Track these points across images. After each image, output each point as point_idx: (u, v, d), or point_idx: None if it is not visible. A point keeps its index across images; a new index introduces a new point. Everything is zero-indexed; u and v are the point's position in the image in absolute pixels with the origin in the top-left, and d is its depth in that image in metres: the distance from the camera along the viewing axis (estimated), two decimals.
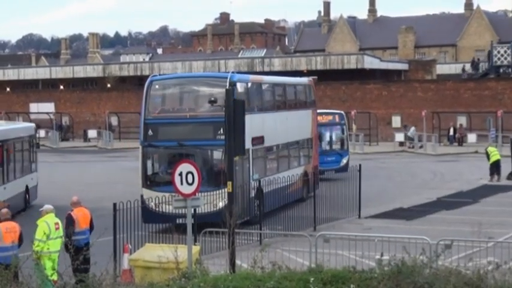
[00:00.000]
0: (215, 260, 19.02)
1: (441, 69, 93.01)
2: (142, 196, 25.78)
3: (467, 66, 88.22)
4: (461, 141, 64.78)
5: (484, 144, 47.17)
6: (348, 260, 16.22)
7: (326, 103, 65.04)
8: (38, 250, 17.25)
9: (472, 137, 64.02)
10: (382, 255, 14.04)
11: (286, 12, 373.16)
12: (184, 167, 17.50)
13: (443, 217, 29.14)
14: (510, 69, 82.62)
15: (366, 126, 67.02)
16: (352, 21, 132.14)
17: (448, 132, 66.80)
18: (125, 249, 18.94)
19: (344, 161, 41.35)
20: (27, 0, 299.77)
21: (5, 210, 19.08)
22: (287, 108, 34.00)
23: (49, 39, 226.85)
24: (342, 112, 45.47)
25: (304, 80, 39.59)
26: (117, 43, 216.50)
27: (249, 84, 30.05)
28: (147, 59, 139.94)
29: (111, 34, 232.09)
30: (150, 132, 27.28)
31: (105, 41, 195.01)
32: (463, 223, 24.33)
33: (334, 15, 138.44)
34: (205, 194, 23.79)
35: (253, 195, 27.20)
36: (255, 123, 27.68)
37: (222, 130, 25.16)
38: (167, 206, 24.23)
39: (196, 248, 17.96)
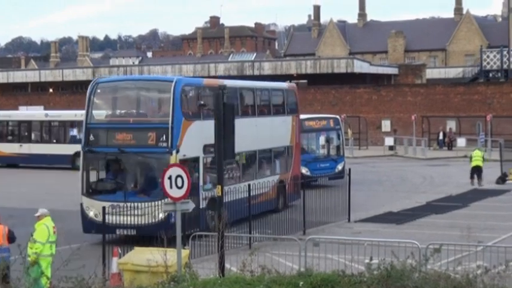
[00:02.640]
0: (204, 264, 18.99)
1: (431, 73, 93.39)
2: (82, 205, 24.91)
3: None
4: (450, 145, 65.05)
5: (473, 149, 47.18)
6: (337, 264, 16.24)
7: (316, 107, 65.31)
8: (38, 252, 17.32)
9: (461, 141, 64.18)
10: (371, 259, 14.06)
11: (276, 16, 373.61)
12: (174, 171, 17.46)
13: (432, 221, 29.09)
14: (499, 74, 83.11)
15: (356, 130, 67.25)
16: (342, 26, 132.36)
17: (438, 136, 66.99)
18: (113, 253, 18.90)
19: (339, 167, 39.85)
20: (16, 4, 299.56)
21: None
22: (257, 114, 31.56)
23: (38, 42, 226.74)
24: (337, 116, 44.38)
25: (283, 85, 37.44)
26: (106, 46, 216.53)
27: (202, 89, 28.04)
28: (136, 62, 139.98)
29: (101, 37, 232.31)
30: (91, 138, 25.59)
31: (94, 44, 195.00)
32: (452, 227, 24.43)
33: (324, 19, 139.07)
34: (145, 204, 23.45)
35: (204, 205, 25.46)
36: (208, 130, 25.26)
37: (164, 137, 24.43)
38: (107, 216, 22.91)
39: (185, 252, 17.93)
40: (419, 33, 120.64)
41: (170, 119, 24.36)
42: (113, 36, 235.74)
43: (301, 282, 13.26)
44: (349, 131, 64.54)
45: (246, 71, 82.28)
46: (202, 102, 28.07)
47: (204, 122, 25.60)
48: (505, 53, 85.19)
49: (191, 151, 24.92)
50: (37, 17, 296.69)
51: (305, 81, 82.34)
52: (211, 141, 24.74)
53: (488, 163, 43.22)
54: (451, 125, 68.07)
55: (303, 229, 26.13)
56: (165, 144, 24.30)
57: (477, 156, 40.89)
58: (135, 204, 23.31)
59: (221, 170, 19.59)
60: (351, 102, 72.35)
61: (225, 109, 18.81)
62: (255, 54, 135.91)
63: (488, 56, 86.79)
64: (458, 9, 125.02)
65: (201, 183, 25.43)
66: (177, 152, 23.94)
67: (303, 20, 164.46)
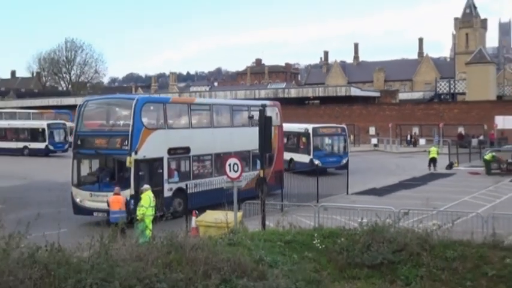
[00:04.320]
0: (252, 222, 19.05)
1: (402, 96, 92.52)
2: (72, 193, 22.27)
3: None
4: (415, 143, 64.45)
5: (430, 146, 46.88)
6: (339, 222, 16.22)
7: (325, 118, 64.92)
8: (144, 213, 17.62)
9: (422, 141, 63.88)
10: (362, 219, 14.03)
11: (299, 58, 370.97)
12: (232, 160, 17.43)
13: (403, 194, 28.97)
14: (448, 96, 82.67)
15: (351, 133, 66.96)
16: (343, 64, 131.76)
17: (406, 137, 66.43)
18: (193, 214, 19.08)
19: (344, 161, 37.82)
20: (127, 49, 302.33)
21: (116, 188, 19.64)
22: (233, 125, 27.23)
23: (143, 76, 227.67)
24: (344, 126, 42.53)
25: (266, 102, 31.30)
26: (188, 79, 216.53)
27: (169, 105, 24.34)
28: (207, 89, 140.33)
29: (184, 72, 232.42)
30: (78, 142, 22.76)
31: (180, 77, 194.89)
32: (416, 198, 24.19)
33: (331, 60, 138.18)
34: (111, 194, 20.49)
35: (169, 195, 22.40)
36: (173, 137, 23.33)
37: (126, 142, 21.42)
38: (88, 202, 21.48)
39: (239, 213, 18.01)
40: (394, 69, 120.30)
41: (130, 128, 21.44)
42: (192, 72, 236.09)
43: (316, 234, 13.28)
44: (352, 136, 64.09)
45: (279, 95, 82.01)
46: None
47: (168, 130, 23.23)
48: (451, 82, 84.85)
49: (153, 153, 21.92)
50: (143, 59, 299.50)
51: (318, 101, 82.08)
52: (176, 145, 23.25)
53: (440, 155, 42.81)
54: (416, 130, 67.47)
55: (316, 199, 26.00)
56: (126, 148, 21.29)
57: (433, 151, 40.93)
58: (107, 193, 20.83)
59: (263, 160, 19.33)
60: (349, 115, 71.87)
61: (265, 121, 18.79)
62: (285, 84, 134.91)
63: (440, 84, 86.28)
64: (420, 53, 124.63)
65: (165, 177, 22.43)
66: (136, 153, 21.08)
67: (316, 61, 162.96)
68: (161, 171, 22.25)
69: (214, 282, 9.22)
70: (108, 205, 19.07)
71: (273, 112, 29.65)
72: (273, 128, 27.37)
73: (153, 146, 21.87)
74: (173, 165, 23.25)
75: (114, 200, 19.00)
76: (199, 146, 24.35)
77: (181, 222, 17.92)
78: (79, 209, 21.78)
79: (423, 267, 11.92)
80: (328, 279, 11.47)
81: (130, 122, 21.55)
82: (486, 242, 12.66)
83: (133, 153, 20.96)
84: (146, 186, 19.19)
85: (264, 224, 17.40)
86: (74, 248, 9.53)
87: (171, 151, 22.85)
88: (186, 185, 22.60)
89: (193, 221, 18.53)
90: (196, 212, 19.30)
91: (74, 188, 22.21)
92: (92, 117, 24.20)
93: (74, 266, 8.74)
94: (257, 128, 27.21)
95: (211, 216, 17.69)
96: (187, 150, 23.81)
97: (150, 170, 21.86)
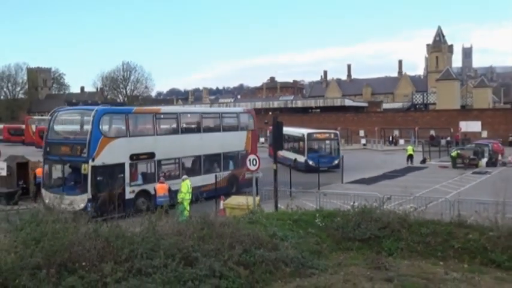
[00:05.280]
0: (267, 205, 18.97)
1: (385, 106, 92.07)
2: (42, 194, 19.50)
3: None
4: (395, 143, 64.00)
5: (407, 145, 46.49)
6: (336, 205, 16.14)
7: (324, 124, 64.52)
8: (183, 197, 17.66)
9: (401, 141, 63.24)
10: (354, 202, 13.94)
11: (304, 76, 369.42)
12: (252, 156, 17.42)
13: (386, 183, 28.67)
14: (422, 106, 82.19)
15: (345, 135, 66.67)
16: (339, 81, 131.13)
17: (389, 138, 65.97)
18: (220, 199, 19.09)
19: (335, 161, 34.80)
20: (171, 69, 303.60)
21: (162, 178, 19.68)
22: (203, 131, 23.65)
23: (183, 91, 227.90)
24: (337, 131, 40.30)
25: (238, 109, 28.47)
26: (217, 92, 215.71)
27: (130, 116, 20.52)
28: (232, 101, 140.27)
29: (214, 87, 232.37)
30: (48, 149, 19.65)
31: (211, 91, 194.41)
32: (397, 186, 23.99)
33: (329, 77, 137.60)
34: (72, 197, 17.00)
35: (131, 196, 19.24)
36: (135, 144, 19.93)
37: (85, 150, 18.42)
38: (56, 203, 19.02)
39: (257, 198, 18.00)
40: (379, 84, 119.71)
41: (88, 137, 18.47)
42: (220, 87, 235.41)
43: (317, 214, 13.22)
44: (346, 138, 63.48)
45: (288, 105, 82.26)
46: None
47: (130, 138, 19.85)
48: (425, 94, 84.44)
49: (113, 159, 18.81)
50: (182, 77, 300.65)
51: (319, 110, 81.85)
52: (139, 151, 20.00)
53: (416, 153, 42.45)
54: (396, 132, 67.01)
55: (318, 186, 25.81)
56: (84, 155, 18.33)
57: (409, 149, 40.68)
58: (69, 196, 17.92)
59: (276, 157, 19.04)
60: (343, 121, 71.49)
61: (277, 124, 18.74)
62: (293, 96, 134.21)
63: (416, 97, 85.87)
64: (400, 72, 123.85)
65: (127, 180, 19.22)
66: (93, 160, 18.15)
67: (318, 78, 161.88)
68: (122, 175, 19.16)
69: (237, 252, 9.26)
70: (156, 191, 19.14)
71: (246, 118, 26.44)
72: (246, 132, 25.66)
73: (113, 153, 18.85)
74: (136, 169, 20.11)
75: (160, 187, 19.04)
76: (165, 151, 21.12)
77: (211, 205, 17.92)
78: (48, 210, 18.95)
79: (402, 241, 11.83)
80: (327, 250, 11.44)
81: (89, 131, 18.69)
82: (453, 221, 12.53)
83: (90, 160, 18.11)
84: (185, 176, 19.21)
85: (276, 206, 17.36)
86: (128, 225, 9.63)
87: (134, 157, 19.75)
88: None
89: (221, 204, 18.57)
90: (223, 197, 19.31)
91: (43, 190, 19.44)
92: (59, 126, 21.03)
93: (128, 239, 8.84)
94: (228, 133, 24.85)
95: (235, 200, 17.69)
96: (151, 155, 20.60)
97: (111, 174, 18.73)
